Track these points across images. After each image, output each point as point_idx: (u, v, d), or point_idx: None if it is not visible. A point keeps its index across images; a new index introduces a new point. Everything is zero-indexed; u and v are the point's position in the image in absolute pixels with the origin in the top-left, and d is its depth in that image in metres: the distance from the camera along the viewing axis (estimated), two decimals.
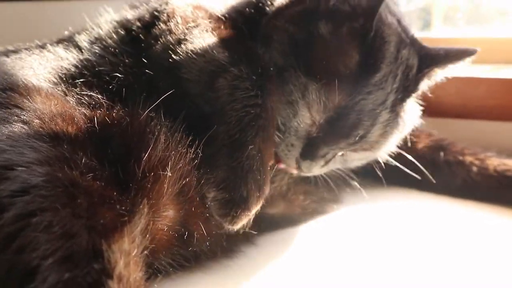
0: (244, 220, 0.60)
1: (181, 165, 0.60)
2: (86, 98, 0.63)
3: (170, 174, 0.58)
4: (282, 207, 0.76)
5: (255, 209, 0.60)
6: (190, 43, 0.66)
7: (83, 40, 0.74)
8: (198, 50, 0.65)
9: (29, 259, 0.44)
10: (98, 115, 0.60)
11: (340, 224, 0.77)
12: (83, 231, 0.46)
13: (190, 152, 0.61)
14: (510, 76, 0.95)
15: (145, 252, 0.52)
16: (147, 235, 0.53)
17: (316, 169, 0.71)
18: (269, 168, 0.63)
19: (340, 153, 0.71)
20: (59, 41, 0.76)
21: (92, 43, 0.73)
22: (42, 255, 0.44)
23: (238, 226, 0.60)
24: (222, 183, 0.59)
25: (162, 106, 0.62)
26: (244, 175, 0.59)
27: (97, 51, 0.71)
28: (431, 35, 1.22)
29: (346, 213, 0.80)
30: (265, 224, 0.72)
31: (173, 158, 0.59)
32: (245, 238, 0.69)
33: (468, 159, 0.84)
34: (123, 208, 0.51)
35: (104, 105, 0.62)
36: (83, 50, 0.72)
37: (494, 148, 0.86)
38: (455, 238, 0.72)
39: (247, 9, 0.72)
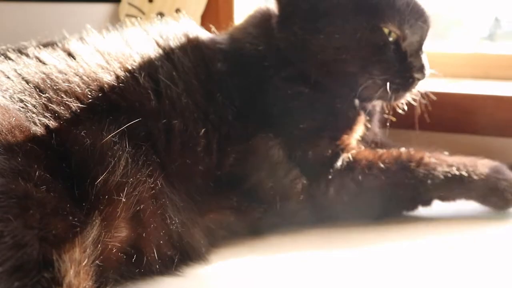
0: None
1: (137, 192, 0.61)
2: (54, 108, 0.62)
3: (124, 200, 0.59)
4: None
5: None
6: None
7: (80, 48, 0.72)
8: None
9: None
10: (59, 129, 0.60)
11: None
12: (34, 241, 0.48)
13: (149, 182, 0.63)
14: (456, 90, 1.00)
15: (96, 261, 0.54)
16: (99, 245, 0.55)
17: None
18: None
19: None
20: (45, 45, 0.73)
21: (93, 53, 0.72)
22: None
23: None
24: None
25: (129, 133, 0.64)
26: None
27: (101, 62, 0.70)
28: None
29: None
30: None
31: (130, 184, 0.60)
32: (199, 257, 0.69)
33: None
34: (76, 219, 0.53)
35: (73, 118, 0.62)
36: (77, 58, 0.70)
37: None
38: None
39: None
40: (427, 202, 0.80)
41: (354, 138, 0.82)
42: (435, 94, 0.92)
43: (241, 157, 0.74)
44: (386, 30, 0.77)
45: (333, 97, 0.80)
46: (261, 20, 0.83)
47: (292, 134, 0.76)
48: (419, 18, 0.79)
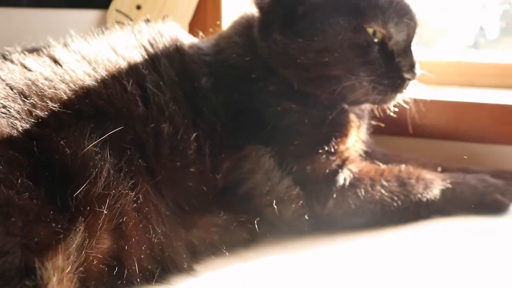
0: None
1: (119, 205, 0.60)
2: (38, 115, 0.61)
3: (106, 212, 0.58)
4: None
5: None
6: None
7: (65, 54, 0.71)
8: None
9: None
10: (41, 137, 0.59)
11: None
12: (17, 249, 0.48)
13: (131, 195, 0.62)
14: (441, 98, 1.01)
15: (80, 268, 0.54)
16: (82, 252, 0.55)
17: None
18: None
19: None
20: (30, 51, 0.73)
21: (79, 60, 0.71)
22: None
23: None
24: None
25: (115, 140, 0.63)
26: None
27: (87, 69, 0.69)
28: None
29: None
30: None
31: (112, 197, 0.59)
32: (180, 271, 0.68)
33: None
34: (59, 226, 0.52)
35: (56, 126, 0.61)
36: (63, 64, 0.69)
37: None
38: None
39: None
40: (426, 215, 0.81)
41: (350, 144, 0.82)
42: (420, 101, 0.93)
43: (235, 163, 0.74)
44: (370, 30, 0.75)
45: (323, 109, 0.78)
46: (247, 27, 0.81)
47: (286, 150, 0.76)
48: (404, 16, 0.77)
